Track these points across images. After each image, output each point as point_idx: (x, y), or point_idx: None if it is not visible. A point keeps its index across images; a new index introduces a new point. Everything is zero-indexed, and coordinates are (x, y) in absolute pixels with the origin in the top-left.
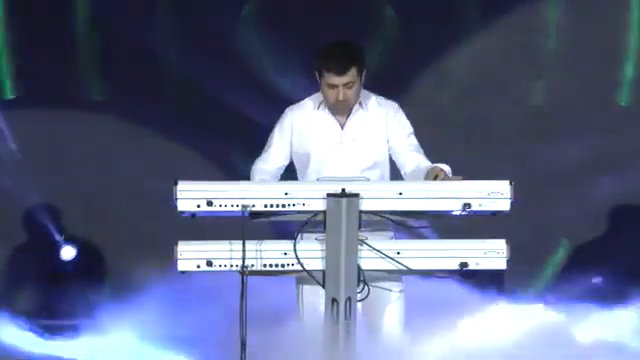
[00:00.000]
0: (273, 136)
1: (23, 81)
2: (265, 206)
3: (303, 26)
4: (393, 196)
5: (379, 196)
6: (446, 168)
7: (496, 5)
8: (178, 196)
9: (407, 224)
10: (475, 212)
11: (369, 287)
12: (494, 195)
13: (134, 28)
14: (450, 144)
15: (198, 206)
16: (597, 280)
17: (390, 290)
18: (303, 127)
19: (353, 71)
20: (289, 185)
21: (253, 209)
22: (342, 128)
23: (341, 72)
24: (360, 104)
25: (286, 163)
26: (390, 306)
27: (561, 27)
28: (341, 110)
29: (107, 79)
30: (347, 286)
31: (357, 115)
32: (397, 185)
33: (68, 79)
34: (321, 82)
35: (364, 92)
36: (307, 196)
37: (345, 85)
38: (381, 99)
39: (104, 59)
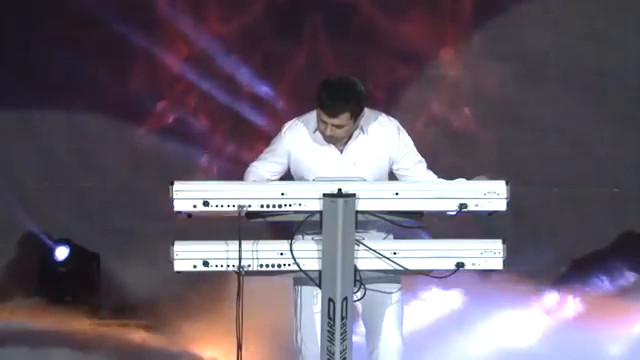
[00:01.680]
0: (269, 152)
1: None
2: (261, 206)
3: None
4: (389, 196)
5: (375, 196)
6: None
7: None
8: (174, 196)
9: (403, 224)
10: (471, 212)
11: (365, 287)
12: (490, 195)
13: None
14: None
15: (194, 206)
16: None
17: (390, 293)
18: (300, 152)
19: (345, 116)
20: (285, 185)
21: (249, 209)
22: (341, 152)
23: (332, 115)
24: (361, 129)
25: (277, 177)
26: (390, 308)
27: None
28: (328, 141)
29: (97, 78)
30: (343, 286)
31: (357, 140)
32: (393, 185)
33: (54, 77)
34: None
35: (366, 112)
36: (303, 196)
37: (335, 125)
38: (382, 118)
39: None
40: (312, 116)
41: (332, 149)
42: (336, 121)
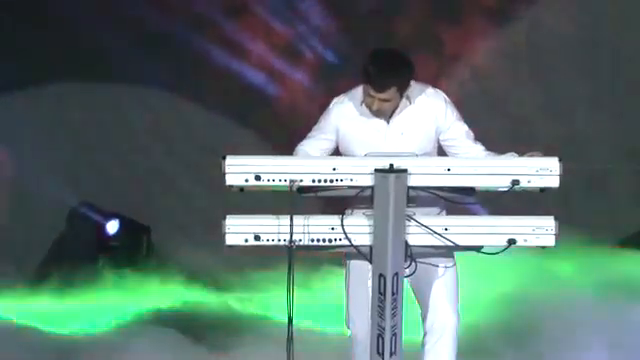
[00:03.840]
0: (317, 129)
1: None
2: (313, 181)
3: None
4: (441, 172)
5: (427, 172)
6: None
7: None
8: (226, 170)
9: (456, 200)
10: (523, 189)
11: (416, 263)
12: (543, 172)
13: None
14: None
15: (246, 180)
16: None
17: (437, 266)
18: (347, 126)
19: (392, 90)
20: (337, 160)
21: (301, 184)
22: (388, 123)
23: (379, 90)
24: (408, 99)
25: (327, 154)
26: (442, 284)
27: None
28: (375, 115)
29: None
30: (394, 262)
31: (404, 111)
32: (445, 161)
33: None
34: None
35: (412, 84)
36: (355, 171)
37: (382, 99)
38: (429, 90)
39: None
40: (358, 91)
41: (379, 120)
42: (383, 95)
